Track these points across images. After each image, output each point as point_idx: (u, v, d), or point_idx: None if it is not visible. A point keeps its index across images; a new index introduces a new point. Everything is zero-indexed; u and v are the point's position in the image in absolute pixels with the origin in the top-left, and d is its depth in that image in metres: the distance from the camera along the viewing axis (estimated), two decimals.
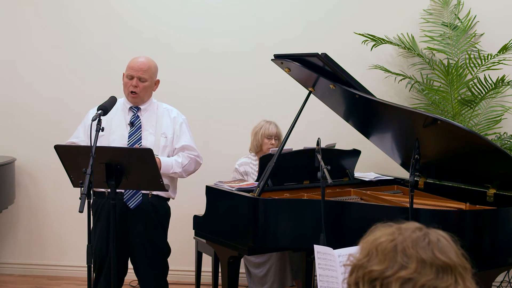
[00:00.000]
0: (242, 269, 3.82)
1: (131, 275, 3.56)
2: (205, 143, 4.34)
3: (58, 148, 2.85)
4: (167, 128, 3.36)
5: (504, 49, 3.95)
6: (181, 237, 4.21)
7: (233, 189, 3.23)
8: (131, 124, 3.30)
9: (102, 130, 2.70)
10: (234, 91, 4.63)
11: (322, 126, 4.35)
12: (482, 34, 4.35)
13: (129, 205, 3.22)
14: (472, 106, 4.10)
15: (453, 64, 4.08)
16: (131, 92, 3.28)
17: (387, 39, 4.26)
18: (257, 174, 3.72)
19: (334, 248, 2.22)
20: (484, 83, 3.99)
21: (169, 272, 3.44)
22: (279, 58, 3.30)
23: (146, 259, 3.29)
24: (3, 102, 4.78)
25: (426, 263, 1.08)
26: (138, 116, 3.33)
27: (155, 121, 3.35)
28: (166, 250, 3.40)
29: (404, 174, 3.63)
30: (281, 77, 3.78)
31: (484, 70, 4.08)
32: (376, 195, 3.29)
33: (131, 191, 3.21)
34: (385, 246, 1.11)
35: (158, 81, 3.41)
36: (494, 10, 4.36)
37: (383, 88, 4.43)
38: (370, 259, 1.12)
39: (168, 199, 3.41)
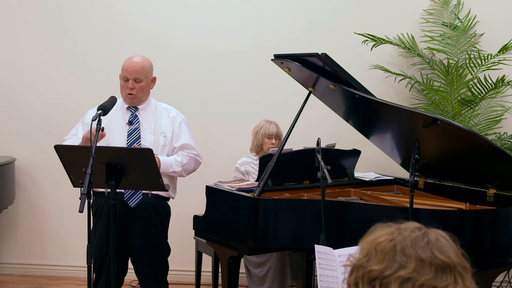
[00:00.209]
0: (242, 269, 3.82)
1: (131, 275, 3.56)
2: (205, 143, 4.34)
3: (58, 148, 2.85)
4: (166, 127, 3.35)
5: (504, 49, 3.95)
6: (181, 237, 4.21)
7: (233, 189, 3.23)
8: (130, 123, 3.30)
9: (102, 130, 2.70)
10: (234, 91, 4.63)
11: (322, 126, 4.35)
12: (482, 34, 4.34)
13: (130, 204, 3.22)
14: (472, 106, 4.10)
15: (453, 64, 4.08)
16: (128, 94, 3.29)
17: (387, 39, 4.26)
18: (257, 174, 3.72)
19: (334, 248, 2.22)
20: (484, 83, 3.99)
21: (169, 272, 3.44)
22: (279, 58, 3.30)
23: (146, 259, 3.29)
24: (3, 102, 4.78)
25: (425, 262, 1.08)
26: (136, 116, 3.33)
27: (153, 120, 3.35)
28: (166, 250, 3.40)
29: (404, 174, 3.63)
30: (281, 77, 3.78)
31: (484, 70, 4.08)
32: (376, 195, 3.29)
33: (131, 190, 3.21)
34: (384, 246, 1.12)
35: (154, 78, 3.40)
36: (494, 10, 4.35)
37: (383, 88, 4.43)
38: (369, 259, 1.12)
39: (168, 199, 3.41)
